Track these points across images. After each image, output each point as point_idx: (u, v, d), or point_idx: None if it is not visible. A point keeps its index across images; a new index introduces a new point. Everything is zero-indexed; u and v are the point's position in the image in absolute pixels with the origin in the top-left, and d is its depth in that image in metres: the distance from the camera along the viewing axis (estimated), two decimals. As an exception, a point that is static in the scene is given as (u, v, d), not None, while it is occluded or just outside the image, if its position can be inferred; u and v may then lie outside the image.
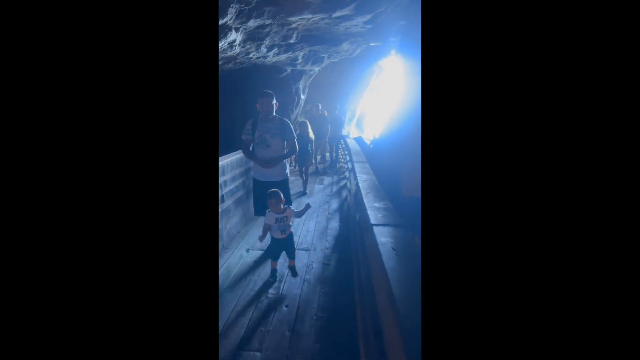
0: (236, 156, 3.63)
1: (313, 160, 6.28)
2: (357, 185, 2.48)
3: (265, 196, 2.80)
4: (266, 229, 2.49)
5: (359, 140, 9.66)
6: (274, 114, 2.86)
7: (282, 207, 2.48)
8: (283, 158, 2.88)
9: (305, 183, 5.52)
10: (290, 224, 2.53)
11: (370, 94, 16.70)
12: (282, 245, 2.54)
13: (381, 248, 1.09)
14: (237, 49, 4.36)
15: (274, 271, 2.57)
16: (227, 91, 5.72)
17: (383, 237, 1.19)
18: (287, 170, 3.00)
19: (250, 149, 2.88)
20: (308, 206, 2.52)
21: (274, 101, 2.83)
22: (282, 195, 2.46)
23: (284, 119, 2.89)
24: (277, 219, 2.46)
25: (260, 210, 2.98)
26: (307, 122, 5.49)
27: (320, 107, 7.10)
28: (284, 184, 2.94)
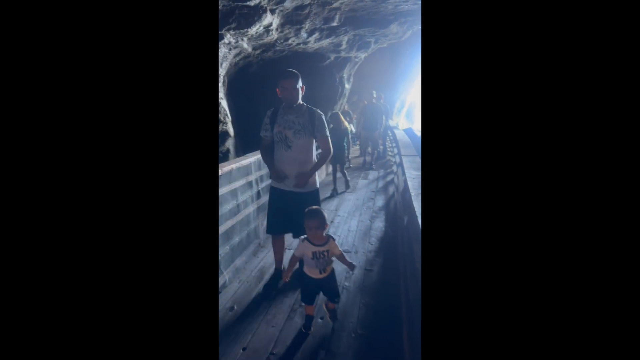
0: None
1: (349, 157, 5.60)
2: (405, 182, 2.11)
3: (284, 210, 2.12)
4: (294, 262, 1.75)
5: (408, 132, 9.12)
6: (301, 101, 2.06)
7: (324, 235, 1.72)
8: (312, 172, 2.10)
9: (345, 180, 4.91)
10: (333, 259, 1.77)
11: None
12: (320, 286, 1.78)
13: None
14: (275, 34, 4.12)
15: (308, 319, 1.83)
16: (266, 83, 5.54)
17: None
18: (317, 178, 2.22)
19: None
20: (352, 266, 1.82)
21: (299, 84, 2.02)
22: (326, 218, 1.73)
23: (314, 109, 2.08)
24: (314, 253, 1.70)
25: (276, 228, 2.24)
26: (340, 113, 4.74)
27: (374, 95, 6.50)
28: (313, 198, 2.14)
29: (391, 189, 4.90)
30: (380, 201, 4.45)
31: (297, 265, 1.80)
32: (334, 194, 4.72)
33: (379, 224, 3.57)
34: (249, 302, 2.12)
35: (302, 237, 1.76)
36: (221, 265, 2.33)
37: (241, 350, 1.70)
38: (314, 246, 1.70)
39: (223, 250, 2.39)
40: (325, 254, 1.72)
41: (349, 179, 5.02)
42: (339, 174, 4.83)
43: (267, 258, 2.74)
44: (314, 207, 1.76)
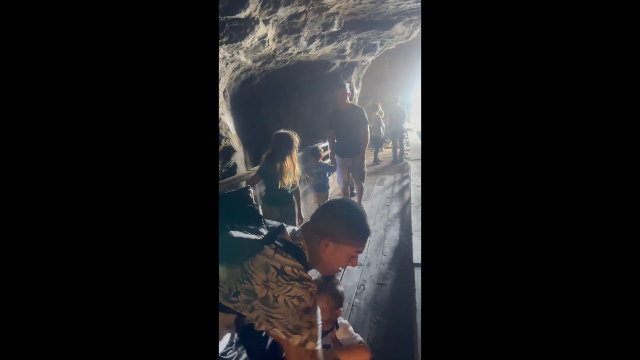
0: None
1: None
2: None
3: None
4: None
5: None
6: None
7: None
8: None
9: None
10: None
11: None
12: None
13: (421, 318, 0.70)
14: (272, 45, 4.05)
15: None
16: (271, 94, 5.47)
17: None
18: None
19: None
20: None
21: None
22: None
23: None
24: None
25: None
26: (293, 134, 2.39)
27: (349, 99, 3.35)
28: None
29: (407, 194, 4.69)
30: (395, 208, 4.25)
31: None
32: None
33: (394, 233, 3.38)
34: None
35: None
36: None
37: None
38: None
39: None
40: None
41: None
42: None
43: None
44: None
